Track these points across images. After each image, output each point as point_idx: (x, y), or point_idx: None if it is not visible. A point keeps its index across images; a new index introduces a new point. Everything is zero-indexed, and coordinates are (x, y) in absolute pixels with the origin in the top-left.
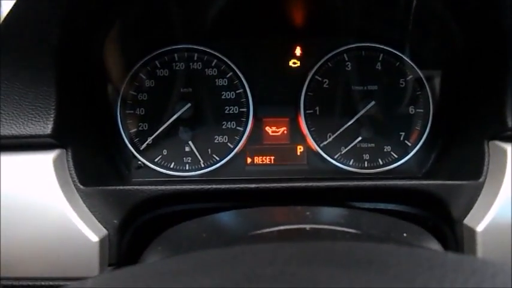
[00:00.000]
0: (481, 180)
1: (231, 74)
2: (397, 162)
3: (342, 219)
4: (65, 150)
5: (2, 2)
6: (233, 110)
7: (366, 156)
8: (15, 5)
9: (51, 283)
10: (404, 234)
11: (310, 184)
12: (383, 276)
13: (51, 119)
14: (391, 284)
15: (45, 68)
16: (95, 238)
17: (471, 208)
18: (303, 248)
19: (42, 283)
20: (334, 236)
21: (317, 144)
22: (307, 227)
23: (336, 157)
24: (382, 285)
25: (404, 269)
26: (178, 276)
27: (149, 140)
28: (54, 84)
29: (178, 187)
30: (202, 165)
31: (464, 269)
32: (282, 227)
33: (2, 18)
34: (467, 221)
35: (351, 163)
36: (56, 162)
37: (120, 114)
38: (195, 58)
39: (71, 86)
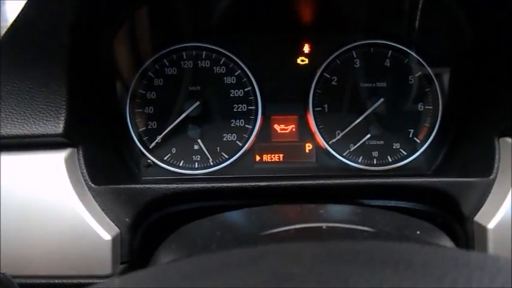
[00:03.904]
0: (491, 177)
1: (239, 72)
2: (406, 159)
3: (356, 217)
4: (75, 149)
5: (7, 1)
6: (241, 108)
7: (375, 154)
8: (26, 4)
9: (64, 281)
10: (418, 232)
11: (319, 182)
12: (412, 276)
13: (63, 118)
14: (420, 283)
15: (55, 67)
16: (107, 236)
17: (482, 205)
18: (328, 247)
19: (56, 281)
20: (352, 234)
21: (326, 142)
22: (324, 225)
23: (344, 154)
24: (413, 285)
25: (432, 268)
26: (206, 276)
27: (158, 138)
28: (64, 83)
29: (188, 185)
30: (211, 164)
31: (490, 268)
32: (298, 226)
33: (8, 17)
34: (478, 218)
35: (359, 160)
36: (68, 161)
37: (129, 112)
38: (203, 56)
39: (81, 85)
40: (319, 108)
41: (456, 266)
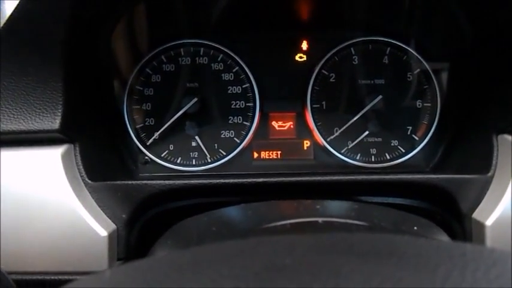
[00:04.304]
0: (489, 174)
1: (237, 68)
2: (404, 156)
3: (353, 213)
4: (72, 145)
5: (6, 0)
6: (239, 105)
7: (373, 151)
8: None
9: (60, 277)
10: (415, 228)
11: (317, 178)
12: (405, 267)
13: (59, 114)
14: (413, 274)
15: (52, 63)
16: (103, 233)
17: (480, 202)
18: (321, 238)
19: (52, 277)
20: (347, 228)
21: (324, 139)
22: (320, 220)
23: (342, 152)
24: (405, 276)
25: (425, 260)
26: (197, 267)
27: (156, 135)
28: (61, 79)
29: (185, 182)
30: (209, 160)
31: (485, 260)
32: (294, 220)
33: (7, 16)
34: (476, 215)
35: (357, 157)
36: (64, 157)
37: (126, 109)
38: (201, 53)
39: (78, 81)
40: (317, 105)
41: (450, 257)
